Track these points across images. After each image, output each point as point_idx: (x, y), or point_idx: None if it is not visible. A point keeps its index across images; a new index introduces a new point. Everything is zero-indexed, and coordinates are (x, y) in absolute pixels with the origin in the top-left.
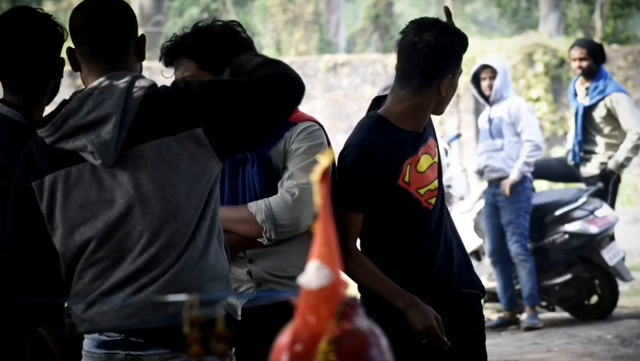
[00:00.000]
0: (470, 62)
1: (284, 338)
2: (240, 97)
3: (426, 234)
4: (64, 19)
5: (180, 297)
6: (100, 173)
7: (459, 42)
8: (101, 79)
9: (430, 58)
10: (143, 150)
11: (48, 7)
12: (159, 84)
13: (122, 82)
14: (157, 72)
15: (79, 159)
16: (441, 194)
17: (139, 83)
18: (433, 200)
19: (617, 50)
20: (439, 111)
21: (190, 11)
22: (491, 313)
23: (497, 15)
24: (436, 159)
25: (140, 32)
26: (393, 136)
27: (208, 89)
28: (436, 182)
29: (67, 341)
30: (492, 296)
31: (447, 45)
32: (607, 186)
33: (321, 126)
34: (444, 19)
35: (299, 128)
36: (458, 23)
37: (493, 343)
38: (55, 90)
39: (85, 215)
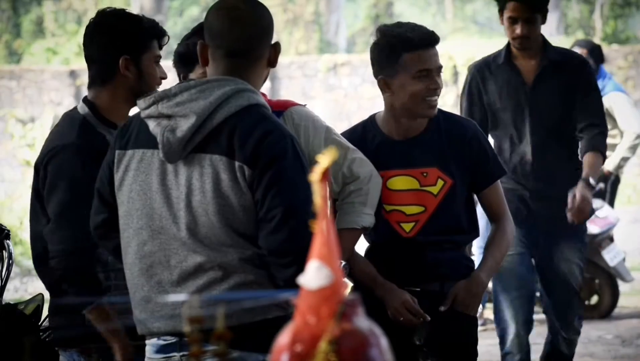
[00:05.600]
0: (470, 62)
1: (284, 338)
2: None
3: (394, 249)
4: (63, 19)
5: (180, 297)
6: (167, 166)
7: None
8: (211, 78)
9: None
10: (206, 158)
11: (48, 7)
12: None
13: (223, 90)
14: None
15: (156, 144)
16: (430, 228)
17: (238, 100)
18: (409, 226)
19: (617, 50)
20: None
21: (190, 11)
22: (491, 313)
23: (497, 16)
24: (432, 190)
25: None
26: (373, 140)
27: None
28: (420, 209)
29: (114, 324)
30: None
31: None
32: (605, 186)
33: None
34: (443, 18)
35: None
36: (458, 23)
37: (493, 343)
38: (135, 89)
39: (145, 202)
